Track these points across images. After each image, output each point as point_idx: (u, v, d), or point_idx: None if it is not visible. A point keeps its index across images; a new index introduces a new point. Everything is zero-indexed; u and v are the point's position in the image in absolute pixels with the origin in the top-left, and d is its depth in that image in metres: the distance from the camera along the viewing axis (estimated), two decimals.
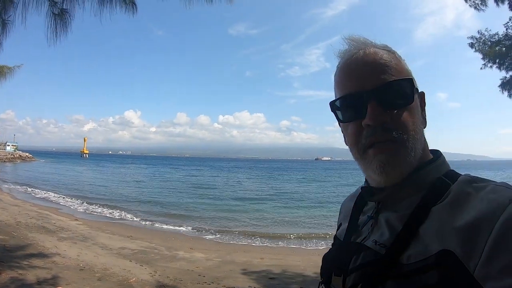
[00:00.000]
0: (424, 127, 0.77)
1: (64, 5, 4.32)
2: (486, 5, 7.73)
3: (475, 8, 7.83)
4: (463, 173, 0.74)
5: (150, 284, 5.94)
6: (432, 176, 0.73)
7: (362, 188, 0.85)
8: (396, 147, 0.71)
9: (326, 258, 0.87)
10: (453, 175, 0.73)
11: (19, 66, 8.06)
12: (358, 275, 0.71)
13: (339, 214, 1.00)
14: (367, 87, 0.73)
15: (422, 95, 0.80)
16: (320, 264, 0.87)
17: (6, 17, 4.45)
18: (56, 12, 4.24)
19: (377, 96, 0.72)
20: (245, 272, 7.15)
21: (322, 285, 0.83)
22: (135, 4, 4.49)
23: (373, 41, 0.82)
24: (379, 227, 0.75)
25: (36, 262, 6.58)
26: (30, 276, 5.65)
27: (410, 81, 0.75)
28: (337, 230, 0.96)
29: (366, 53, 0.77)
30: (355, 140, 0.76)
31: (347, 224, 0.88)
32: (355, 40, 0.82)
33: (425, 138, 0.77)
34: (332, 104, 0.81)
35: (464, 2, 7.95)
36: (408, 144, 0.71)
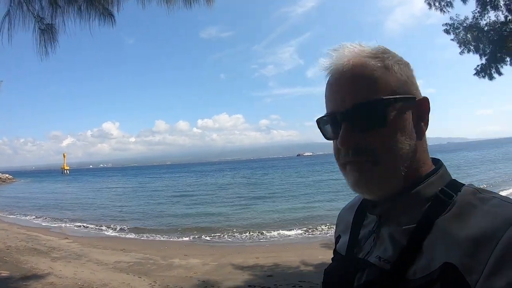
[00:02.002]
0: (420, 139, 0.73)
1: (50, 20, 4.35)
2: (452, 7, 8.03)
3: (441, 10, 8.08)
4: (466, 183, 0.72)
5: None
6: (434, 187, 0.70)
7: (363, 200, 0.82)
8: (368, 168, 0.70)
9: (329, 273, 0.87)
10: (456, 186, 0.70)
11: None
12: None
13: (336, 226, 0.99)
14: (341, 108, 0.72)
15: (420, 102, 0.74)
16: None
17: None
18: (43, 28, 4.28)
19: (348, 118, 0.71)
20: (243, 273, 7.33)
21: None
22: (113, 16, 4.51)
23: (364, 46, 0.76)
24: (382, 242, 0.73)
25: (33, 285, 6.55)
26: None
27: (381, 102, 0.69)
28: (336, 243, 0.94)
29: (346, 67, 0.72)
30: (336, 157, 0.77)
31: (347, 237, 0.86)
32: (339, 50, 0.76)
33: (424, 149, 0.74)
34: (317, 122, 0.82)
35: None
36: (382, 165, 0.69)
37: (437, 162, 0.77)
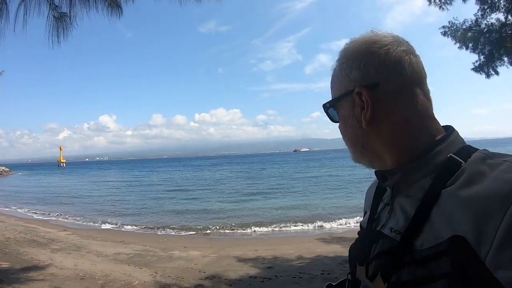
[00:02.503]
0: (375, 125, 0.75)
1: (64, 8, 4.35)
2: (451, 4, 8.02)
3: (440, 7, 8.10)
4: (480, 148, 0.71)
5: (154, 285, 6.12)
6: (443, 155, 0.69)
7: (375, 172, 0.83)
8: (349, 151, 0.84)
9: (351, 248, 0.90)
10: (466, 152, 0.69)
11: (0, 73, 7.52)
12: (377, 264, 0.73)
13: (364, 202, 1.01)
14: None
15: (356, 96, 0.76)
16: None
17: None
18: (56, 16, 4.29)
19: None
20: (243, 264, 7.41)
21: (349, 275, 0.86)
22: (120, 7, 4.49)
23: (357, 40, 0.80)
24: (395, 213, 0.75)
25: (35, 275, 6.60)
26: None
27: (328, 104, 0.84)
28: (363, 218, 0.97)
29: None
30: None
31: (369, 212, 0.90)
32: None
33: (419, 120, 0.73)
34: None
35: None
36: (352, 148, 0.82)
37: (448, 128, 0.77)
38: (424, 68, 0.78)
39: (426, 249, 0.61)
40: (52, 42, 4.25)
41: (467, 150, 0.70)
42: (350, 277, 0.85)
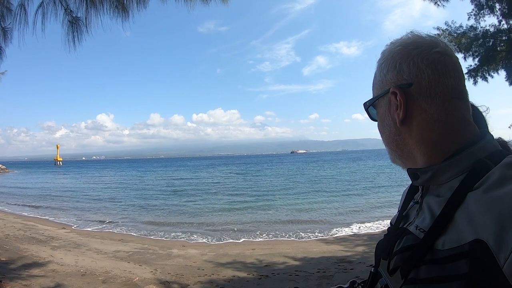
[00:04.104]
0: (406, 124, 0.78)
1: (78, 13, 4.45)
2: (447, 1, 8.09)
3: (435, 3, 8.16)
4: None
5: (154, 281, 6.26)
6: (473, 158, 0.69)
7: (407, 170, 0.82)
8: (387, 151, 0.86)
9: (378, 243, 0.92)
10: (498, 156, 0.68)
11: (2, 72, 7.51)
12: (399, 259, 0.74)
13: (399, 201, 1.01)
14: None
15: (390, 96, 0.80)
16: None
17: (5, 25, 4.60)
18: (71, 20, 4.41)
19: None
20: (241, 262, 7.56)
21: (373, 268, 0.89)
22: (127, 11, 4.54)
23: (398, 42, 0.82)
24: (423, 212, 0.76)
25: (36, 272, 6.72)
26: (35, 286, 5.78)
27: (367, 104, 0.88)
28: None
29: None
30: None
31: (400, 210, 0.92)
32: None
33: (451, 122, 0.74)
34: None
35: None
36: (388, 146, 0.84)
37: (483, 133, 0.76)
38: (462, 70, 0.78)
39: (446, 250, 0.62)
40: (69, 46, 4.38)
41: (499, 154, 0.69)
42: (372, 270, 0.88)
